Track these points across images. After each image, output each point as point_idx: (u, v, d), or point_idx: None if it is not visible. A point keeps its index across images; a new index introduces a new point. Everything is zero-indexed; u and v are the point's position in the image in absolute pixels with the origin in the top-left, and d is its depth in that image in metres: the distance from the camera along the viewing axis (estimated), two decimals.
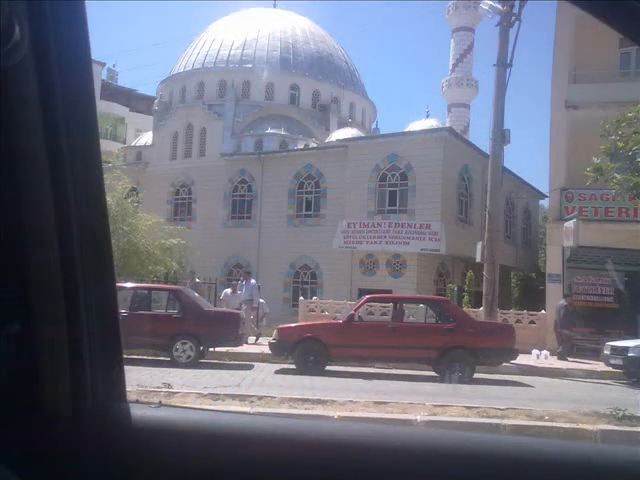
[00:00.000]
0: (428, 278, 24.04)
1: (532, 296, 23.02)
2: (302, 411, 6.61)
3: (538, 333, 16.62)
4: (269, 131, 29.90)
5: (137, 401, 1.38)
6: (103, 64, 42.88)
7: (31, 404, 1.17)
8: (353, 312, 11.79)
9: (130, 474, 1.18)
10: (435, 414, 6.64)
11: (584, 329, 17.11)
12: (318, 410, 6.67)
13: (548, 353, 14.88)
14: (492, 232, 15.12)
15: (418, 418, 6.45)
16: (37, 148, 1.11)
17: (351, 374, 11.19)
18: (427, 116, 31.26)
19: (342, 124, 31.63)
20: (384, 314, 15.44)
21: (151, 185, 29.41)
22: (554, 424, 6.40)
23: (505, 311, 17.16)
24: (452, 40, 47.72)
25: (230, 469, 1.19)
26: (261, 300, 17.40)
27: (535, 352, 14.71)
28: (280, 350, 11.51)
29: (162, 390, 7.31)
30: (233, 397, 7.24)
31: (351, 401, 7.07)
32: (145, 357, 11.59)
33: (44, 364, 1.18)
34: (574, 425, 6.37)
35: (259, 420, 1.44)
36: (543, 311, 17.27)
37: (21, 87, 1.07)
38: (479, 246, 15.51)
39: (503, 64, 15.01)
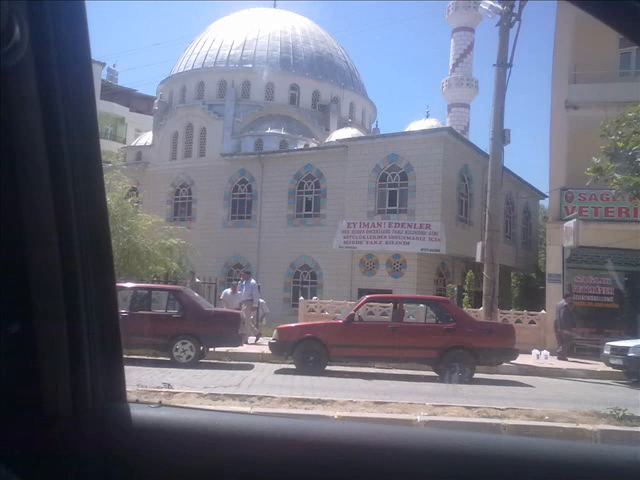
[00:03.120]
0: (428, 278, 24.04)
1: (532, 296, 23.07)
2: (302, 411, 6.61)
3: (538, 333, 16.63)
4: (269, 131, 29.89)
5: (137, 401, 1.38)
6: (103, 64, 42.88)
7: (31, 404, 1.17)
8: (353, 312, 11.79)
9: (130, 474, 1.18)
10: (435, 414, 6.64)
11: (584, 329, 17.13)
12: (318, 410, 6.67)
13: (548, 353, 14.87)
14: (492, 232, 15.12)
15: (418, 418, 6.45)
16: (37, 148, 1.11)
17: (351, 374, 11.19)
18: (427, 116, 31.24)
19: (342, 124, 31.61)
20: (384, 314, 15.44)
21: (151, 185, 29.38)
22: (554, 424, 6.41)
23: (505, 311, 17.18)
24: (452, 40, 47.71)
25: (230, 469, 1.19)
26: (261, 300, 17.40)
27: (535, 352, 14.70)
28: (280, 350, 11.51)
29: (162, 390, 7.31)
30: (233, 397, 7.25)
31: (351, 401, 7.07)
32: (145, 357, 11.59)
33: (44, 364, 1.18)
34: (574, 425, 6.38)
35: (259, 420, 1.44)
36: (543, 311, 17.27)
37: (21, 87, 1.07)
38: (479, 246, 15.51)
39: (503, 64, 15.01)
